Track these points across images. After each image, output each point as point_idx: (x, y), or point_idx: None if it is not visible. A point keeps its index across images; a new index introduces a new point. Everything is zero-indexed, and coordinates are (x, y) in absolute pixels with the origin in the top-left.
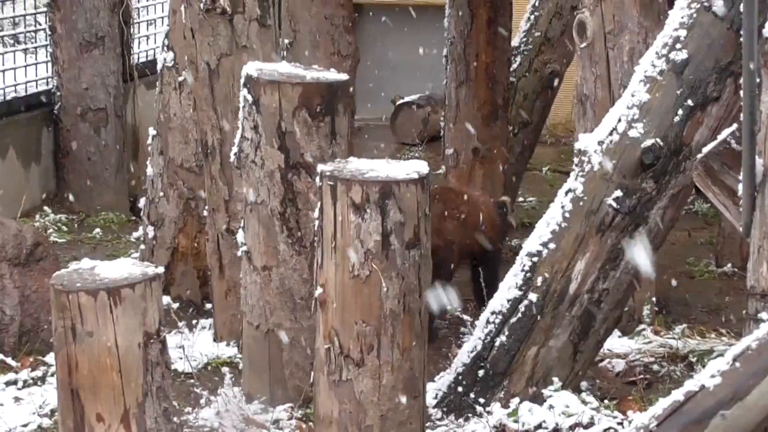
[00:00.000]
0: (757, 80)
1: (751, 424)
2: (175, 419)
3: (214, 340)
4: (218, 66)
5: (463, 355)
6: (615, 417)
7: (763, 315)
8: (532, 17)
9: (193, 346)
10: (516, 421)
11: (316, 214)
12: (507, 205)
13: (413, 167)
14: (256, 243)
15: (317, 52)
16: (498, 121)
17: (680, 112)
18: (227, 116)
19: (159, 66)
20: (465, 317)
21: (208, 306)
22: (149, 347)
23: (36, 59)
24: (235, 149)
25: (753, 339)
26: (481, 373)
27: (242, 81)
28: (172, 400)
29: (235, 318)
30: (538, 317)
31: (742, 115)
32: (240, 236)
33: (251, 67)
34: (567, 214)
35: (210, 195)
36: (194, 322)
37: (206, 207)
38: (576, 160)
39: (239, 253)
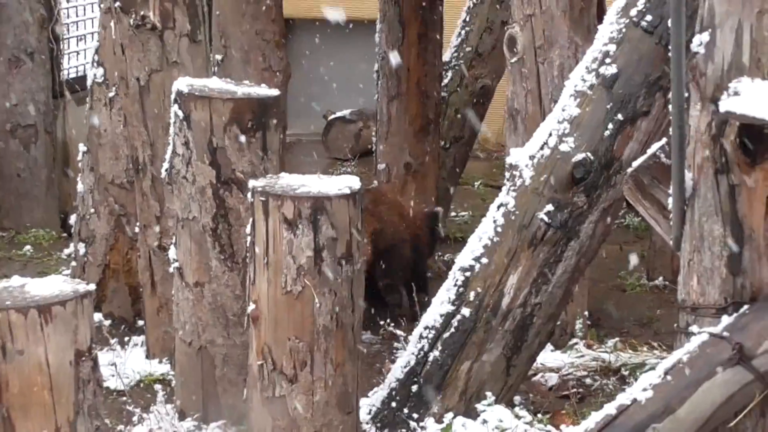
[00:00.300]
0: (686, 95)
1: None
2: None
3: (147, 357)
4: (149, 82)
5: (396, 371)
6: (548, 431)
7: (694, 328)
8: (463, 32)
9: (125, 363)
10: None
11: (248, 230)
12: (438, 216)
13: (345, 182)
14: (188, 259)
15: (248, 67)
16: (430, 136)
17: (610, 126)
18: (158, 132)
19: (89, 82)
20: (398, 332)
21: (140, 323)
22: (81, 365)
23: None
24: (166, 165)
25: (684, 352)
26: (414, 388)
27: (173, 97)
28: (104, 418)
29: (168, 335)
30: (471, 332)
31: (671, 129)
32: (172, 252)
33: (182, 83)
34: (499, 229)
35: (141, 211)
36: (126, 339)
37: (137, 223)
38: (507, 174)
39: (171, 270)
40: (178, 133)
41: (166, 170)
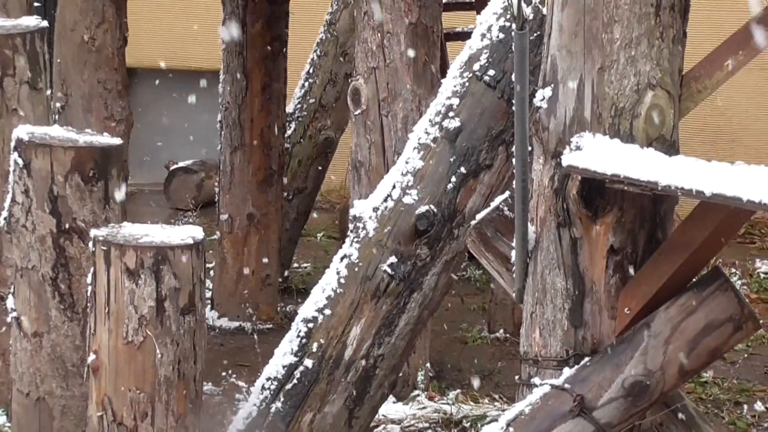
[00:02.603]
0: (529, 149)
1: None
2: None
3: None
4: None
5: (238, 422)
6: None
7: (536, 380)
8: (307, 84)
9: None
10: None
11: (89, 279)
12: None
13: (188, 233)
14: (27, 309)
15: (90, 116)
16: (273, 187)
17: (453, 179)
18: None
19: None
20: (240, 383)
21: None
22: None
23: None
24: (5, 214)
25: (526, 404)
26: None
27: (12, 144)
28: None
29: (5, 386)
30: (314, 383)
31: (514, 182)
32: (10, 302)
33: (22, 131)
34: (342, 280)
35: None
36: None
37: None
38: (351, 226)
39: (9, 320)
40: (18, 182)
41: (4, 219)
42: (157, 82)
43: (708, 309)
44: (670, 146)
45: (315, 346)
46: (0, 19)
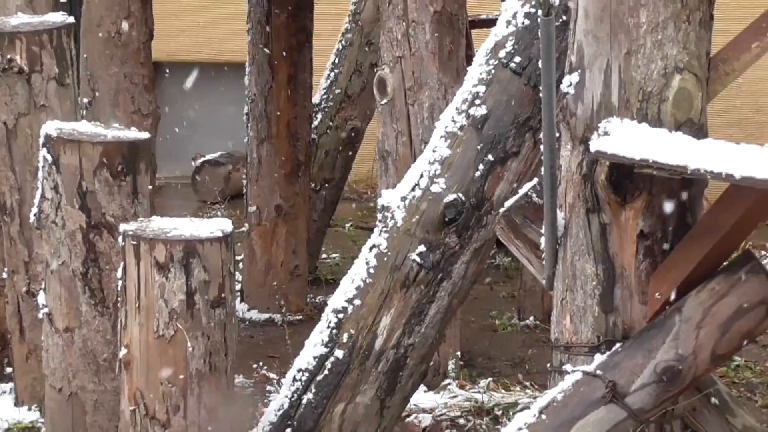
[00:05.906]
0: (557, 135)
1: None
2: None
3: (15, 405)
4: (16, 126)
5: (269, 414)
6: None
7: (567, 367)
8: (332, 74)
9: None
10: None
11: (120, 274)
12: None
13: (217, 225)
14: (58, 304)
15: (117, 110)
16: (300, 178)
17: (481, 167)
18: (26, 176)
19: None
20: (271, 375)
21: (8, 370)
22: None
23: None
24: (34, 210)
25: (558, 391)
26: (288, 431)
27: (41, 140)
28: None
29: (37, 381)
30: (345, 374)
31: (542, 169)
32: (41, 298)
33: (50, 127)
34: (371, 270)
35: (9, 257)
36: None
37: (5, 269)
38: (379, 215)
39: (40, 316)
40: (47, 177)
41: (34, 215)
42: (182, 75)
43: (740, 292)
44: (698, 130)
45: (345, 336)
46: (26, 16)
